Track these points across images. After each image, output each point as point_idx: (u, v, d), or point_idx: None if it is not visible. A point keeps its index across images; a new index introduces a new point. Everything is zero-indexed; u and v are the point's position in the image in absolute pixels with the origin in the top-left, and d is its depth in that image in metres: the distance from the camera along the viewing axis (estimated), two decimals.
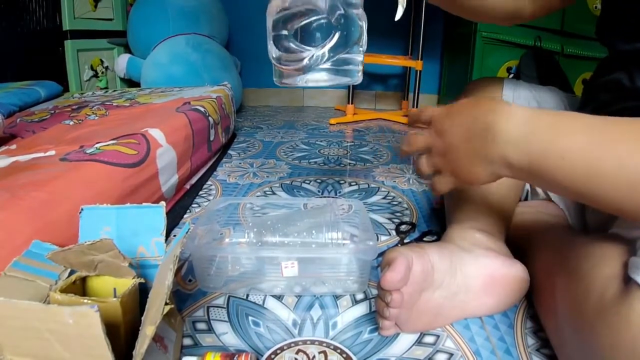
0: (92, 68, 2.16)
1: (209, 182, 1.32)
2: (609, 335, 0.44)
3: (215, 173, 1.41)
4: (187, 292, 0.76)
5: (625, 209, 0.46)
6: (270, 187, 1.28)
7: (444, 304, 0.64)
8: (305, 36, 0.61)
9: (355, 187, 1.29)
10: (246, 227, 0.91)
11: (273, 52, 0.63)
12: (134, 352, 0.44)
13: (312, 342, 0.65)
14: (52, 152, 0.93)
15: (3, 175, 0.80)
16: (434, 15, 2.35)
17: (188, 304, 0.73)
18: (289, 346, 0.64)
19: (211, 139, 1.43)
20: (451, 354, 0.62)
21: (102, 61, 2.23)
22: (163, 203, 0.65)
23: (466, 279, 0.65)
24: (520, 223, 0.82)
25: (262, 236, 0.85)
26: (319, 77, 0.64)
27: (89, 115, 1.33)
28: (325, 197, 1.21)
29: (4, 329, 0.42)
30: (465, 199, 0.80)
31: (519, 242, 0.78)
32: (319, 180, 1.34)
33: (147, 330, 0.44)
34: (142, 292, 0.57)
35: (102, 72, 2.24)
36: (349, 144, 1.87)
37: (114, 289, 0.58)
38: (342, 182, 1.34)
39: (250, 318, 0.70)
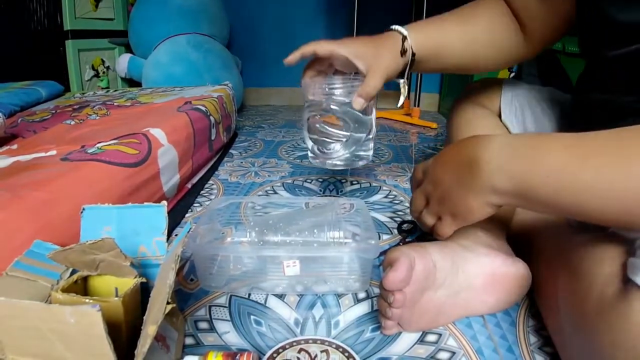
0: (93, 68, 2.16)
1: (210, 182, 1.32)
2: (609, 334, 0.44)
3: (216, 172, 1.41)
4: (188, 292, 0.76)
5: (615, 220, 0.47)
6: (272, 187, 1.28)
7: (446, 303, 0.64)
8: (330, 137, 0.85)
9: (357, 186, 1.29)
10: (248, 226, 0.90)
11: (308, 143, 0.89)
12: (135, 352, 0.43)
13: (314, 341, 0.64)
14: (54, 152, 0.93)
15: (4, 175, 0.80)
16: (436, 14, 2.35)
17: (190, 303, 0.73)
18: (291, 345, 0.64)
19: (212, 138, 1.43)
20: (453, 353, 0.62)
21: (103, 61, 2.23)
22: (164, 202, 0.65)
23: (468, 278, 0.65)
24: (521, 221, 0.82)
25: (264, 235, 0.84)
26: (340, 163, 0.87)
27: (90, 115, 1.33)
28: (326, 196, 1.21)
29: (5, 329, 0.42)
30: None
31: (520, 241, 0.78)
32: (320, 179, 1.34)
33: (149, 329, 0.44)
34: (143, 291, 0.57)
35: (103, 72, 2.25)
36: None
37: (116, 289, 0.58)
38: (343, 181, 1.33)
39: (252, 317, 0.70)
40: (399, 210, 1.12)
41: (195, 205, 1.15)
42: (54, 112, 1.40)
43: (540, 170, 0.50)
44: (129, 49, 2.36)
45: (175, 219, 1.04)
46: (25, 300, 0.41)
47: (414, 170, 0.73)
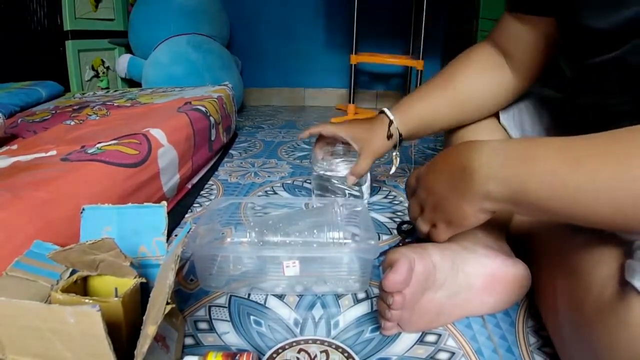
0: (93, 68, 2.16)
1: (210, 182, 1.32)
2: (607, 336, 0.44)
3: (216, 173, 1.41)
4: (188, 292, 0.76)
5: (609, 222, 0.47)
6: (272, 187, 1.28)
7: (445, 303, 0.64)
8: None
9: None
10: (247, 226, 0.91)
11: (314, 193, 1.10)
12: (135, 352, 0.44)
13: (314, 342, 0.65)
14: (54, 152, 0.93)
15: (4, 175, 0.80)
16: (435, 14, 2.35)
17: (190, 304, 0.73)
18: (290, 345, 0.64)
19: (212, 138, 1.43)
20: (453, 353, 0.62)
21: (103, 61, 2.23)
22: (164, 203, 0.65)
23: (468, 278, 0.65)
24: (521, 222, 0.82)
25: (264, 236, 0.84)
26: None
27: (90, 115, 1.33)
28: (321, 195, 1.21)
29: (5, 329, 0.42)
30: None
31: (520, 241, 0.78)
32: None
33: (149, 329, 0.44)
34: (143, 291, 0.57)
35: (103, 72, 2.25)
36: None
37: (115, 289, 0.58)
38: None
39: (251, 317, 0.70)
40: (399, 211, 1.12)
41: (195, 205, 1.15)
42: (54, 112, 1.40)
43: (533, 175, 0.50)
44: (128, 50, 2.36)
45: (175, 219, 1.04)
46: (25, 300, 0.41)
47: (407, 178, 0.74)
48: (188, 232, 0.61)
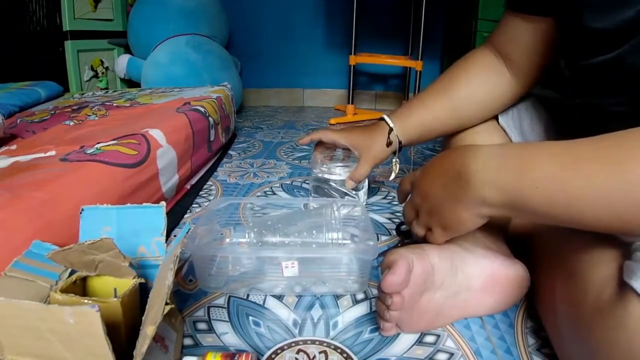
0: (92, 68, 2.16)
1: (209, 182, 1.32)
2: (605, 336, 0.44)
3: (215, 173, 1.41)
4: (187, 292, 0.76)
5: (607, 226, 0.47)
6: (271, 187, 1.28)
7: (444, 304, 0.64)
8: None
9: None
10: (247, 227, 0.91)
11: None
12: (134, 352, 0.44)
13: (313, 342, 0.65)
14: (53, 153, 0.93)
15: (3, 176, 0.80)
16: (434, 15, 2.35)
17: (189, 304, 0.73)
18: (289, 346, 0.64)
19: (211, 139, 1.43)
20: (452, 354, 0.62)
21: (102, 61, 2.23)
22: (163, 203, 0.65)
23: (467, 279, 0.65)
24: (520, 223, 0.82)
25: (263, 236, 0.84)
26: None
27: (89, 115, 1.33)
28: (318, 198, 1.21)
29: (4, 329, 0.42)
30: None
31: (519, 242, 0.78)
32: None
33: (148, 330, 0.44)
34: (142, 292, 0.57)
35: (103, 73, 2.24)
36: None
37: (115, 289, 0.58)
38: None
39: (250, 318, 0.70)
40: (397, 212, 1.12)
41: (194, 206, 1.15)
42: (53, 112, 1.40)
43: (530, 181, 0.50)
44: (128, 50, 2.36)
45: (174, 219, 1.04)
46: (24, 300, 0.41)
47: (400, 183, 0.75)
48: (187, 232, 0.61)
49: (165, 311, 0.47)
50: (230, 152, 1.68)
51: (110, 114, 1.35)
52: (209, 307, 0.72)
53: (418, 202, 0.67)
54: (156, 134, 1.05)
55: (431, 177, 0.64)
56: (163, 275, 0.52)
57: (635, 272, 0.43)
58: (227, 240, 0.93)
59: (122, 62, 2.25)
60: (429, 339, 0.65)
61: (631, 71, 0.54)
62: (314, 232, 0.84)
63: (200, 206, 1.15)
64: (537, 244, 0.74)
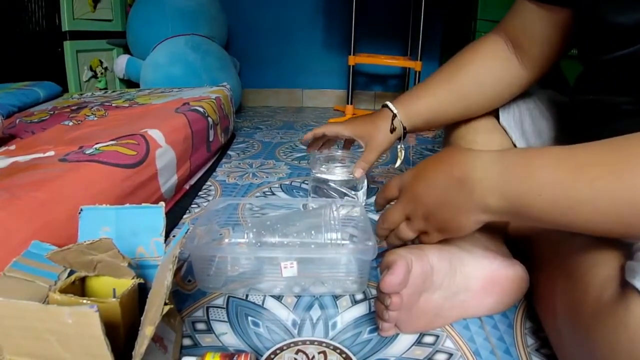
0: (91, 69, 2.16)
1: (208, 183, 1.32)
2: (606, 337, 0.44)
3: (214, 173, 1.41)
4: (186, 293, 0.76)
5: (610, 231, 0.47)
6: (270, 188, 1.28)
7: (443, 305, 0.64)
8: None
9: None
10: (245, 227, 0.91)
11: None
12: (133, 353, 0.44)
13: (312, 343, 0.65)
14: (52, 153, 0.93)
15: (2, 176, 0.80)
16: (433, 15, 2.35)
17: (187, 304, 0.73)
18: (288, 346, 0.64)
19: (210, 139, 1.43)
20: (451, 354, 0.62)
21: (101, 62, 2.23)
22: (162, 203, 0.65)
23: (466, 280, 0.65)
24: (519, 224, 0.82)
25: (262, 236, 0.84)
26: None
27: (88, 115, 1.33)
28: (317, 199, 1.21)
29: (3, 329, 0.42)
30: None
31: (518, 243, 0.78)
32: None
33: (147, 330, 0.44)
34: (141, 292, 0.57)
35: (102, 73, 2.24)
36: None
37: (113, 289, 0.58)
38: None
39: (249, 318, 0.70)
40: None
41: (193, 206, 1.15)
42: (52, 112, 1.40)
43: (533, 187, 0.50)
44: (127, 50, 2.35)
45: (173, 220, 1.04)
46: (23, 300, 0.41)
47: (385, 188, 0.72)
48: (186, 232, 0.61)
49: (164, 311, 0.47)
50: (229, 152, 1.68)
51: (109, 114, 1.35)
52: (207, 308, 0.72)
53: (410, 208, 0.64)
54: (155, 134, 1.05)
55: (426, 181, 0.62)
56: (162, 275, 0.52)
57: (637, 272, 0.43)
58: (226, 240, 0.93)
59: (121, 63, 2.24)
60: (428, 339, 0.65)
61: None
62: (312, 232, 0.84)
63: (199, 206, 1.15)
64: (536, 245, 0.74)
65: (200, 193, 1.24)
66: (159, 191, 1.01)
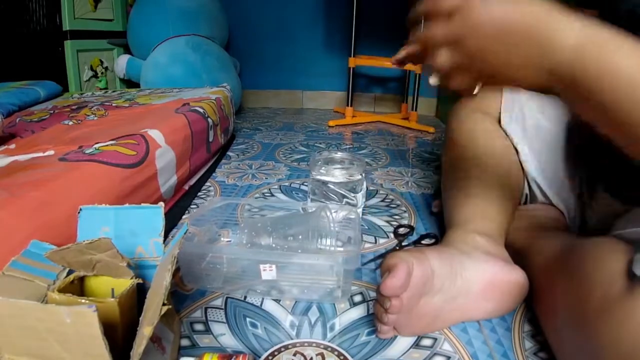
0: (91, 68, 2.16)
1: (207, 183, 1.32)
2: (612, 331, 0.44)
3: (214, 174, 1.41)
4: (185, 293, 0.76)
5: None
6: (269, 189, 1.28)
7: (443, 308, 0.64)
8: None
9: None
10: (238, 228, 0.91)
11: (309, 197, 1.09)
12: (131, 353, 0.44)
13: (310, 344, 0.65)
14: (51, 152, 0.93)
15: (2, 175, 0.80)
16: None
17: (186, 305, 0.73)
18: (286, 348, 0.64)
19: (210, 140, 1.43)
20: (449, 357, 0.62)
21: (101, 61, 2.23)
22: (162, 203, 0.65)
23: (466, 284, 0.65)
24: (519, 226, 0.82)
25: (253, 238, 0.85)
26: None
27: (88, 115, 1.33)
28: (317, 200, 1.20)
29: (2, 329, 0.42)
30: (465, 201, 0.81)
31: (517, 245, 0.78)
32: None
33: (145, 330, 0.44)
34: (140, 292, 0.57)
35: (102, 73, 2.24)
36: (348, 146, 1.87)
37: (112, 289, 0.58)
38: None
39: (248, 319, 0.70)
40: (396, 214, 1.12)
41: (192, 207, 1.15)
42: (52, 112, 1.40)
43: (613, 66, 0.44)
44: (127, 50, 2.36)
45: (172, 220, 1.03)
46: (22, 300, 0.41)
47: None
48: (185, 233, 0.61)
49: (163, 312, 0.47)
50: (229, 153, 1.68)
51: (109, 114, 1.35)
52: (206, 308, 0.72)
53: (464, 34, 0.51)
54: (155, 134, 1.05)
55: (487, 38, 0.50)
56: (161, 275, 0.52)
57: None
58: (223, 240, 0.93)
59: (121, 62, 2.25)
60: (426, 342, 0.65)
61: None
62: (300, 237, 0.84)
63: (198, 207, 1.15)
64: (536, 247, 0.74)
65: (199, 194, 1.24)
66: (158, 191, 1.01)
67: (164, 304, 0.47)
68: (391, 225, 1.06)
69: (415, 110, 2.32)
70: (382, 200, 1.22)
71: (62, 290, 0.52)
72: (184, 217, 1.08)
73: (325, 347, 0.64)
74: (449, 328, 0.68)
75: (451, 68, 0.53)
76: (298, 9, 2.67)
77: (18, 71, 1.78)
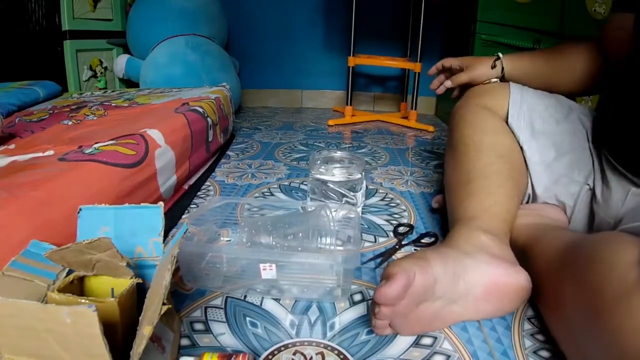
0: (91, 68, 2.16)
1: (207, 183, 1.32)
2: (630, 319, 0.45)
3: (213, 174, 1.41)
4: (185, 293, 0.76)
5: None
6: (269, 188, 1.28)
7: (442, 310, 0.64)
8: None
9: None
10: (239, 227, 0.91)
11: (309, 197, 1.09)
12: (131, 352, 0.44)
13: (310, 343, 0.65)
14: (51, 152, 0.93)
15: (1, 175, 0.80)
16: (433, 17, 2.35)
17: (186, 304, 0.73)
18: (286, 347, 0.64)
19: (209, 139, 1.43)
20: (448, 356, 0.63)
21: (101, 61, 2.23)
22: (161, 203, 0.65)
23: (468, 287, 0.65)
24: (522, 223, 0.82)
25: (252, 237, 0.85)
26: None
27: (88, 115, 1.33)
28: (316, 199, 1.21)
29: (1, 328, 0.42)
30: (470, 196, 0.80)
31: (521, 241, 0.78)
32: None
33: (145, 330, 0.44)
34: (140, 292, 0.57)
35: (101, 73, 2.24)
36: (347, 145, 1.87)
37: (112, 289, 0.58)
38: None
39: (247, 319, 0.70)
40: (396, 213, 1.12)
41: (192, 206, 1.15)
42: (51, 112, 1.40)
43: None
44: (127, 50, 2.35)
45: (172, 220, 1.04)
46: (22, 300, 0.41)
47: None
48: (184, 232, 0.61)
49: (163, 311, 0.47)
50: (228, 152, 1.68)
51: (108, 113, 1.35)
52: (206, 308, 0.72)
53: None
54: (154, 134, 1.05)
55: None
56: (160, 275, 0.52)
57: None
58: (223, 240, 0.93)
59: (120, 62, 2.24)
60: (426, 341, 0.65)
61: None
62: (300, 235, 0.84)
63: (198, 207, 1.15)
64: (539, 244, 0.73)
65: (199, 193, 1.24)
66: (158, 191, 1.01)
67: (163, 304, 0.47)
68: (391, 224, 1.06)
69: (415, 109, 2.31)
70: (381, 199, 1.22)
71: (61, 290, 0.52)
72: (183, 216, 1.08)
73: (325, 346, 0.64)
74: (449, 327, 0.68)
75: None
76: (297, 9, 2.67)
77: (17, 71, 1.78)
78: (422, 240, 0.96)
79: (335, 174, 1.03)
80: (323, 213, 0.87)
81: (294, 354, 0.62)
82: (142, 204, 0.66)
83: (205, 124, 1.37)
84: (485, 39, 2.09)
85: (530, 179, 0.87)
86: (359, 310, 0.73)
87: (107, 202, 0.67)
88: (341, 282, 0.75)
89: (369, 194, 1.25)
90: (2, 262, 0.57)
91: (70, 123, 1.24)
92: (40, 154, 0.93)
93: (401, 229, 1.01)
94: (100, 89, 2.20)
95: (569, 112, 0.90)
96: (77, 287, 0.57)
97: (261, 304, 0.74)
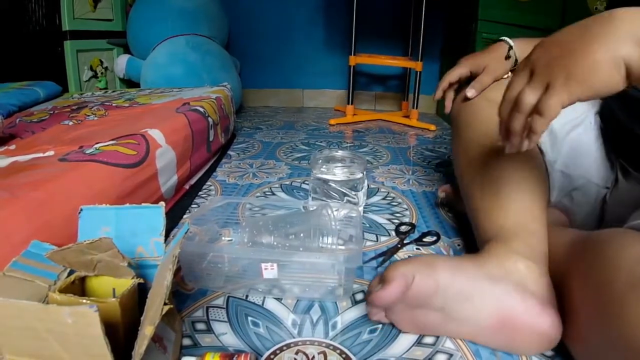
0: (91, 68, 2.16)
1: (208, 183, 1.32)
2: (638, 308, 0.45)
3: (214, 173, 1.41)
4: (186, 293, 0.76)
5: None
6: (270, 188, 1.28)
7: (439, 325, 0.63)
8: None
9: None
10: (240, 227, 0.91)
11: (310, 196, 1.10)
12: (133, 352, 0.43)
13: (312, 343, 0.64)
14: (51, 153, 0.93)
15: (2, 175, 0.80)
16: (434, 16, 2.35)
17: (187, 304, 0.73)
18: (288, 347, 0.64)
19: (210, 139, 1.43)
20: (451, 355, 0.62)
21: (101, 62, 2.23)
22: (162, 203, 0.65)
23: (475, 312, 0.60)
24: None
25: (254, 237, 0.84)
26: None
27: (88, 115, 1.33)
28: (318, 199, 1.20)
29: (3, 329, 0.42)
30: (500, 204, 0.73)
31: None
32: None
33: (146, 330, 0.44)
34: (141, 292, 0.57)
35: (102, 73, 2.24)
36: (348, 144, 1.87)
37: (113, 289, 0.58)
38: None
39: (249, 318, 0.70)
40: (397, 212, 1.12)
41: (193, 206, 1.15)
42: (52, 112, 1.40)
43: None
44: (127, 50, 2.36)
45: (173, 219, 1.03)
46: (23, 300, 0.41)
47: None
48: (186, 232, 0.60)
49: (164, 311, 0.47)
50: (229, 152, 1.68)
51: (109, 114, 1.35)
52: (207, 308, 0.72)
53: (534, 58, 0.53)
54: (155, 134, 1.05)
55: (557, 33, 0.53)
56: (162, 275, 0.52)
57: None
58: (224, 239, 0.93)
59: (121, 62, 2.25)
60: (428, 339, 0.65)
61: None
62: (301, 235, 0.83)
63: (199, 207, 1.15)
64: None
65: (200, 193, 1.24)
66: (159, 191, 1.01)
67: (165, 304, 0.47)
68: (392, 223, 1.06)
69: (416, 108, 2.31)
70: (383, 198, 1.22)
71: (63, 291, 0.52)
72: (184, 216, 1.08)
73: (327, 346, 0.64)
74: None
75: (538, 88, 0.52)
76: (298, 8, 2.67)
77: (18, 71, 1.78)
78: (424, 239, 0.96)
79: (337, 173, 1.03)
80: (324, 212, 0.87)
81: (296, 353, 0.62)
82: (143, 204, 0.66)
83: (206, 124, 1.37)
84: (486, 38, 2.09)
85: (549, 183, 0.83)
86: (361, 309, 0.73)
87: (108, 202, 0.67)
88: (343, 282, 0.75)
89: (370, 193, 1.24)
90: (3, 263, 0.57)
91: (70, 123, 1.24)
92: (41, 155, 0.93)
93: (403, 228, 1.01)
94: (100, 89, 2.20)
95: (587, 110, 0.87)
96: (78, 288, 0.57)
97: (263, 304, 0.73)
